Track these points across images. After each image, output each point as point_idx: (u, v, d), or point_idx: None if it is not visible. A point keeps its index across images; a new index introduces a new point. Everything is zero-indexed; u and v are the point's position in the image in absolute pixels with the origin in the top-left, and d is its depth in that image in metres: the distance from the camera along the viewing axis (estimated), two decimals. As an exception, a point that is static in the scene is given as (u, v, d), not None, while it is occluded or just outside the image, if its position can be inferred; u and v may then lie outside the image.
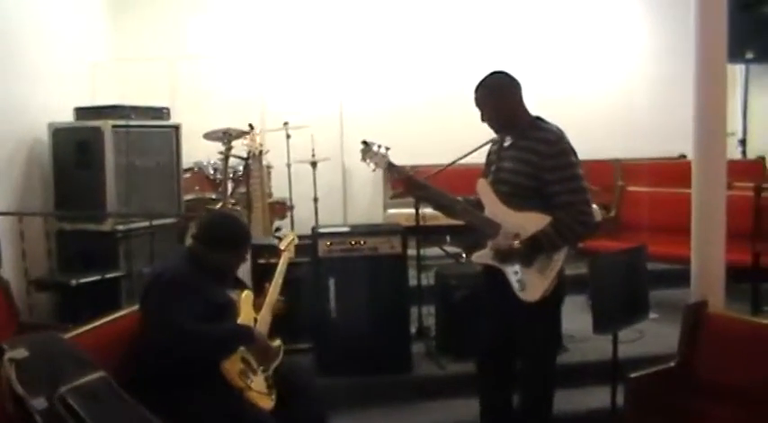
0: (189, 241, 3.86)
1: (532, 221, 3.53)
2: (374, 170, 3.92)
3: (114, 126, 5.48)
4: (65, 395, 2.98)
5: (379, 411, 4.55)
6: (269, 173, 6.91)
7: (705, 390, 3.58)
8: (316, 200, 7.35)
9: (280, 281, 3.98)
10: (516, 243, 3.53)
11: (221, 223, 3.80)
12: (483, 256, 3.70)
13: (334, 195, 7.85)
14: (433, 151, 6.30)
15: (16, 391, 2.92)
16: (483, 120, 3.70)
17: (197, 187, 6.61)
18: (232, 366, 3.41)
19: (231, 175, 6.56)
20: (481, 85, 3.69)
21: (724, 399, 3.49)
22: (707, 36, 3.96)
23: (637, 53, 8.72)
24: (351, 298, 4.71)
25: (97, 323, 3.66)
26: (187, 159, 6.50)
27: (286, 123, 7.07)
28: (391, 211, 5.46)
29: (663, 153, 8.45)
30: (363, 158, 3.84)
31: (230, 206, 6.23)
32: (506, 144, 3.73)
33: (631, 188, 7.25)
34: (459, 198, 3.78)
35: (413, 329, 5.21)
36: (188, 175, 6.62)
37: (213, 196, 6.67)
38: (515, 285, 3.57)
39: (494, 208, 3.64)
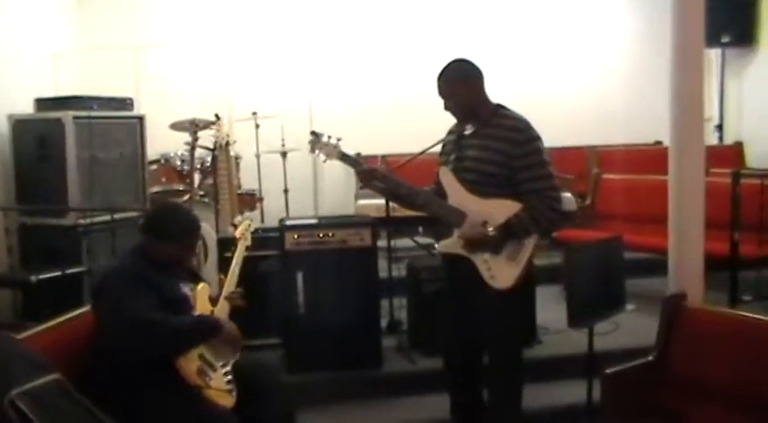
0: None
1: (500, 208, 3.48)
2: (324, 161, 3.80)
3: (76, 117, 5.33)
4: (15, 399, 2.85)
5: (350, 408, 4.45)
6: (237, 164, 6.78)
7: (683, 385, 3.49)
8: (286, 191, 7.24)
9: (236, 270, 3.85)
10: (490, 229, 3.46)
11: (167, 214, 3.67)
12: (450, 246, 3.62)
13: (305, 186, 7.73)
14: (403, 141, 6.21)
15: (-36, 395, 2.80)
16: (446, 108, 3.62)
17: (164, 179, 6.48)
18: (188, 364, 3.28)
19: (199, 167, 6.42)
20: (443, 73, 3.62)
21: (702, 394, 3.41)
22: (683, 20, 3.86)
23: (612, 39, 8.67)
24: (319, 292, 4.59)
25: (52, 323, 3.52)
26: (154, 151, 6.37)
27: (254, 113, 6.95)
28: (361, 202, 5.33)
29: (638, 139, 8.39)
30: (312, 150, 3.74)
31: (198, 198, 6.10)
32: (467, 132, 3.65)
33: (607, 176, 7.18)
34: (424, 188, 3.70)
35: (384, 323, 5.14)
36: (155, 166, 6.48)
37: (181, 188, 6.54)
38: (485, 273, 3.50)
39: (458, 196, 3.57)
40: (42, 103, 5.58)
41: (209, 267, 4.94)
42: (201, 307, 3.59)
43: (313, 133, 3.78)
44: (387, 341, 4.98)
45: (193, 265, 4.17)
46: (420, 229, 6.11)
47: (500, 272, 3.49)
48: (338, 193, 7.92)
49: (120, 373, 3.25)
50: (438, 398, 4.11)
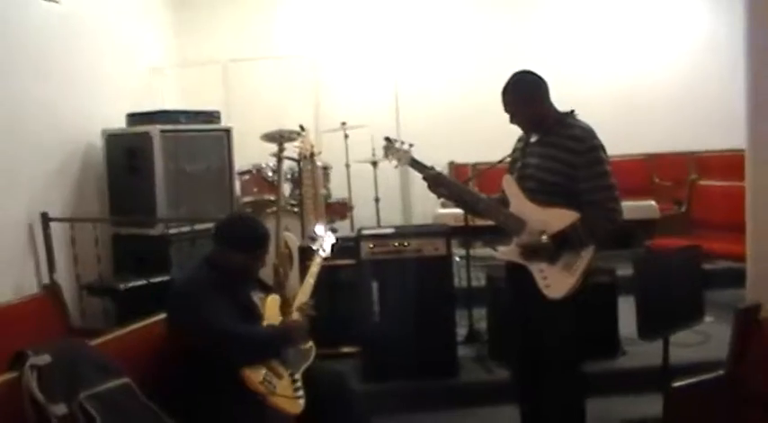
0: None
1: (558, 218, 3.44)
2: (396, 167, 3.89)
3: (163, 131, 5.54)
4: (83, 401, 2.98)
5: (424, 417, 4.47)
6: (327, 174, 6.86)
7: (754, 402, 3.31)
8: (377, 200, 7.28)
9: (311, 281, 3.90)
10: (544, 238, 3.43)
11: (237, 225, 3.74)
12: (508, 253, 3.61)
13: (396, 195, 7.76)
14: (491, 148, 6.14)
15: (36, 397, 2.94)
16: (512, 122, 3.61)
17: (255, 189, 6.59)
18: (253, 373, 3.34)
19: (289, 177, 6.54)
20: (505, 89, 3.60)
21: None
22: (759, 19, 3.72)
23: (711, 39, 8.33)
24: (394, 301, 4.63)
25: (125, 330, 3.67)
26: (246, 161, 6.53)
27: (344, 123, 7.03)
28: (440, 211, 5.36)
29: (741, 144, 8.04)
30: (386, 155, 3.85)
31: (289, 207, 6.21)
32: (533, 140, 3.63)
33: (704, 182, 6.92)
34: (486, 196, 3.68)
35: (464, 333, 5.11)
36: (247, 177, 6.63)
37: (272, 198, 6.66)
38: (540, 282, 3.46)
39: (519, 204, 3.55)
40: (133, 118, 5.80)
41: (293, 274, 5.03)
42: (271, 317, 3.65)
43: (387, 139, 3.90)
44: (466, 351, 5.00)
45: (262, 275, 4.24)
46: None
47: (555, 281, 3.45)
48: (428, 201, 7.92)
49: (187, 379, 3.35)
50: (512, 408, 4.03)
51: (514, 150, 3.80)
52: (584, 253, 3.44)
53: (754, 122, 3.73)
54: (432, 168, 3.74)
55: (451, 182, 3.74)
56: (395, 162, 3.84)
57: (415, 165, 3.75)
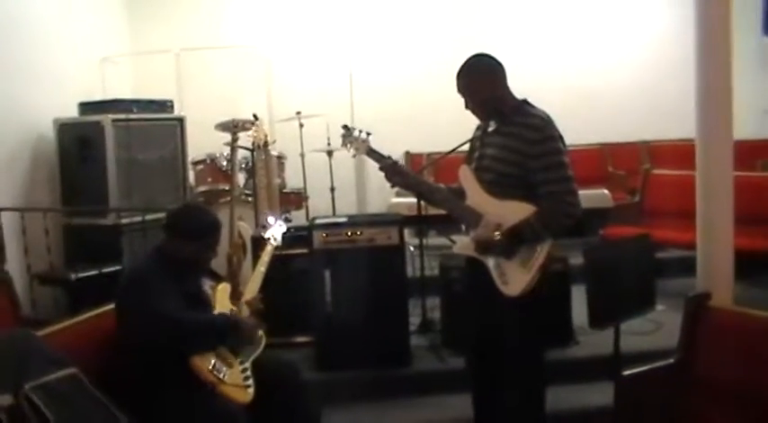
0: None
1: (515, 211, 3.35)
2: (354, 155, 3.82)
3: (115, 120, 5.49)
4: (29, 392, 2.95)
5: (378, 406, 4.47)
6: (282, 163, 6.83)
7: (704, 389, 3.34)
8: (332, 190, 7.27)
9: (261, 270, 3.90)
10: (497, 234, 3.37)
11: (186, 215, 3.73)
12: (464, 247, 3.54)
13: (350, 184, 7.75)
14: (447, 138, 6.16)
15: (-19, 389, 2.91)
16: (467, 107, 3.51)
17: (210, 179, 6.53)
18: (202, 361, 3.33)
19: (243, 167, 6.50)
20: (462, 71, 3.49)
21: (724, 399, 3.26)
22: (708, 11, 3.77)
23: (665, 28, 8.42)
24: (347, 290, 4.61)
25: (73, 320, 3.65)
26: (200, 151, 6.48)
27: (299, 113, 7.01)
28: (394, 200, 5.36)
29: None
30: (343, 144, 3.77)
31: (244, 197, 6.18)
32: (490, 129, 3.54)
33: (657, 171, 6.99)
34: (443, 186, 3.66)
35: (417, 322, 5.13)
36: (201, 166, 6.57)
37: (226, 187, 6.61)
38: (497, 279, 3.40)
39: (476, 196, 3.47)
40: (85, 107, 5.75)
41: (247, 264, 5.01)
42: (221, 306, 3.65)
43: (345, 127, 3.82)
44: (419, 340, 5.01)
45: (215, 265, 4.23)
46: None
47: (512, 277, 3.37)
48: (383, 191, 7.93)
49: (135, 368, 3.35)
50: (465, 397, 4.02)
51: (473, 139, 3.72)
52: (539, 247, 3.35)
53: (704, 112, 3.77)
54: (389, 158, 3.67)
55: (408, 172, 3.68)
56: (352, 151, 3.75)
57: (372, 154, 3.69)
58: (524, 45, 8.35)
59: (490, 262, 3.44)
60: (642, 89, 8.33)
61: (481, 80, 3.47)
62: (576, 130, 8.12)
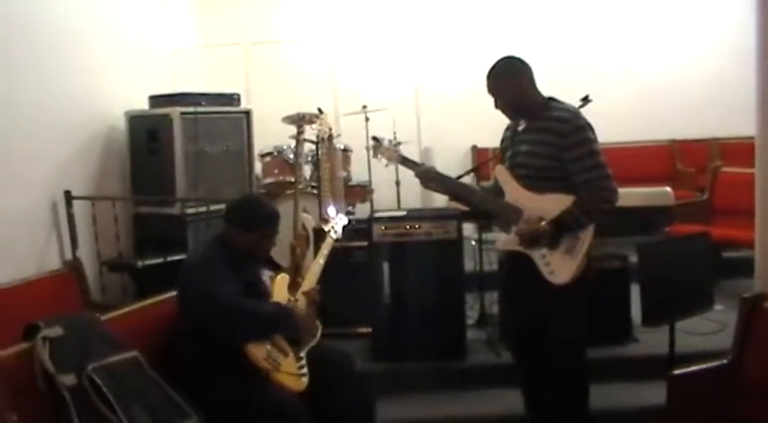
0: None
1: (554, 203, 3.46)
2: (387, 165, 3.95)
3: (183, 113, 5.64)
4: (91, 372, 3.10)
5: (431, 398, 4.51)
6: (348, 156, 6.91)
7: (756, 391, 3.30)
8: (398, 183, 7.31)
9: (320, 262, 3.98)
10: (543, 223, 3.45)
11: (246, 205, 3.83)
12: (509, 243, 3.62)
13: (415, 179, 7.75)
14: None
15: (47, 368, 3.05)
16: (496, 107, 3.63)
17: (276, 171, 6.65)
18: (257, 349, 3.42)
19: (309, 159, 6.60)
20: (491, 73, 3.63)
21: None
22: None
23: (735, 25, 8.20)
24: (405, 283, 4.68)
25: (136, 306, 3.82)
26: (268, 144, 6.61)
27: (365, 106, 7.08)
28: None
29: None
30: (375, 155, 3.91)
31: (309, 189, 6.28)
32: (521, 128, 3.66)
33: (726, 169, 6.85)
34: (478, 188, 3.72)
35: (475, 316, 5.16)
36: (268, 159, 6.70)
37: (292, 180, 6.72)
38: (544, 269, 3.48)
39: (514, 193, 3.58)
40: (155, 100, 5.91)
41: (309, 255, 5.10)
42: (279, 296, 3.73)
43: (374, 139, 3.95)
44: (476, 334, 5.04)
45: (278, 256, 4.32)
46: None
47: (558, 266, 3.47)
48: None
49: (193, 353, 3.46)
50: (519, 391, 4.09)
51: (503, 140, 3.83)
52: (582, 235, 3.46)
53: (764, 109, 3.71)
54: (422, 164, 3.80)
55: (443, 177, 3.74)
56: (384, 161, 3.88)
57: (405, 162, 3.81)
58: (592, 42, 8.26)
59: (535, 254, 3.51)
60: (714, 85, 8.12)
61: (509, 81, 3.59)
62: (645, 126, 8.15)
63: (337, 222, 4.26)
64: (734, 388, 3.38)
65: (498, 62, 3.63)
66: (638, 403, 4.22)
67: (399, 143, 3.88)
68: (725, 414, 3.33)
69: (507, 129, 3.81)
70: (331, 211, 4.75)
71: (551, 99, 3.62)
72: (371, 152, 3.92)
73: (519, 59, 3.63)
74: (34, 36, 4.93)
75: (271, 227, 3.77)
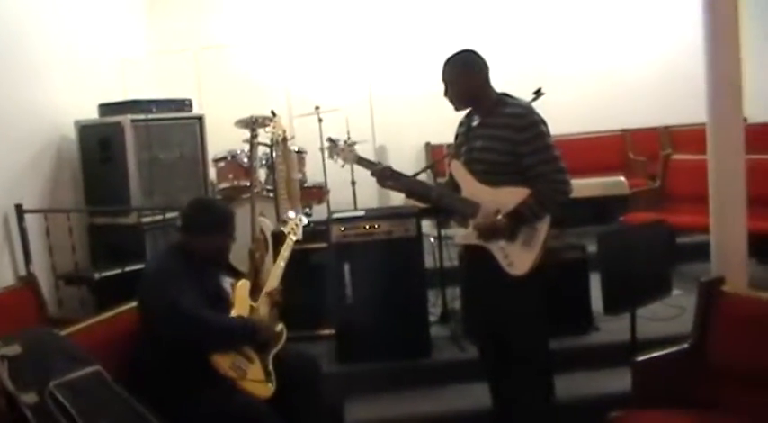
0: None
1: (510, 196, 3.52)
2: (342, 166, 4.02)
3: (134, 120, 5.57)
4: (53, 389, 3.05)
5: (398, 396, 4.50)
6: (302, 158, 6.88)
7: (718, 374, 3.38)
8: (353, 183, 7.31)
9: (281, 264, 3.97)
10: (499, 217, 3.50)
11: (202, 210, 3.80)
12: (467, 237, 3.65)
13: (371, 178, 7.76)
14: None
15: (7, 387, 2.99)
16: (445, 95, 3.68)
17: (231, 176, 6.59)
18: (223, 358, 3.41)
19: (264, 163, 6.55)
20: (450, 60, 3.68)
21: (738, 383, 3.30)
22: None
23: (685, 15, 8.31)
24: (366, 283, 4.66)
25: (96, 319, 3.76)
26: (221, 148, 6.55)
27: (317, 108, 7.07)
28: (411, 193, 5.39)
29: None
30: (330, 156, 3.92)
31: (265, 193, 6.23)
32: (474, 124, 3.71)
33: (677, 156, 6.96)
34: (434, 185, 3.75)
35: (437, 312, 5.17)
36: (222, 164, 6.63)
37: (248, 184, 6.67)
38: (503, 261, 3.53)
39: (471, 188, 3.63)
40: (105, 108, 5.82)
41: (268, 259, 5.07)
42: (240, 302, 3.71)
43: (330, 140, 3.97)
44: (440, 330, 5.05)
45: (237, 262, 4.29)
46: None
47: (517, 258, 3.52)
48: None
49: (157, 364, 3.42)
50: (485, 385, 4.06)
51: (457, 135, 3.88)
52: (539, 226, 3.52)
53: (714, 96, 3.78)
54: (378, 164, 3.83)
55: (399, 175, 3.77)
56: (340, 161, 3.90)
57: (362, 162, 3.84)
58: (546, 33, 8.34)
59: (494, 247, 3.56)
60: (663, 74, 8.25)
61: (465, 73, 3.65)
62: (597, 116, 8.23)
63: (297, 223, 4.24)
64: (696, 371, 3.44)
65: (459, 52, 3.68)
66: (602, 391, 4.26)
67: (354, 143, 3.87)
68: (689, 397, 3.38)
69: (461, 125, 3.85)
70: (291, 213, 4.72)
71: (504, 94, 3.67)
72: (327, 153, 3.93)
73: (479, 55, 3.68)
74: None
75: (230, 225, 3.77)
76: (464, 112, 3.80)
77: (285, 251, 4.05)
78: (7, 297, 4.62)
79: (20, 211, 5.03)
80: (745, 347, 3.32)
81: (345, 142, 3.88)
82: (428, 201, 3.85)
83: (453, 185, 3.72)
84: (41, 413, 2.99)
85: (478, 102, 3.65)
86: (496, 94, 3.67)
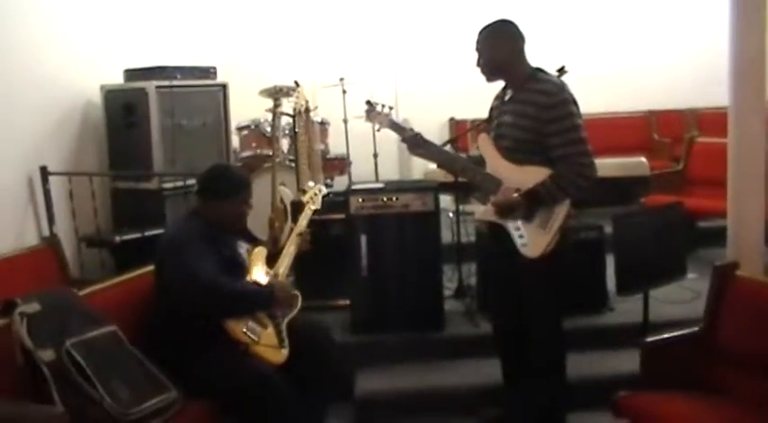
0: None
1: (532, 175, 3.47)
2: (378, 130, 3.93)
3: (158, 87, 5.61)
4: (70, 347, 3.11)
5: (410, 368, 4.53)
6: (325, 129, 6.91)
7: (727, 358, 3.38)
8: (375, 156, 7.33)
9: (303, 223, 4.01)
10: (515, 195, 3.47)
11: (218, 175, 3.84)
12: (486, 213, 3.64)
13: (393, 150, 7.74)
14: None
15: (25, 343, 3.06)
16: (477, 64, 3.63)
17: (254, 144, 6.65)
18: (236, 323, 3.45)
19: (287, 133, 6.58)
20: (484, 29, 3.63)
21: (746, 370, 3.30)
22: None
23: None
24: (382, 255, 4.69)
25: (113, 281, 3.83)
26: (246, 117, 6.59)
27: (342, 79, 7.08)
28: (432, 166, 5.36)
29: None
30: (367, 119, 3.88)
31: (287, 162, 6.27)
32: (506, 98, 3.65)
33: (701, 139, 6.90)
34: (464, 155, 3.73)
35: (453, 287, 5.20)
36: (245, 132, 6.69)
37: (270, 153, 6.70)
38: (517, 241, 3.51)
39: (495, 163, 3.59)
40: (130, 74, 5.87)
41: (287, 228, 5.11)
42: (256, 269, 3.76)
43: (368, 102, 3.90)
44: (455, 305, 5.08)
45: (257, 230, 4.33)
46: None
47: (531, 239, 3.49)
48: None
49: (171, 327, 3.48)
50: (497, 361, 4.09)
51: (491, 109, 3.82)
52: (557, 209, 3.46)
53: (736, 80, 3.75)
54: (411, 130, 3.78)
55: (429, 143, 3.76)
56: (376, 125, 3.88)
57: (395, 127, 3.81)
58: (571, 12, 8.26)
59: (510, 225, 3.55)
60: (691, 55, 8.19)
61: (500, 43, 3.59)
62: (623, 97, 8.17)
63: (316, 193, 4.26)
64: (706, 355, 3.44)
65: (495, 22, 3.63)
66: (613, 371, 4.27)
67: (392, 108, 3.83)
68: (697, 381, 3.39)
69: (496, 98, 3.79)
70: (310, 183, 4.75)
71: (538, 70, 3.59)
72: (365, 116, 3.89)
73: (514, 25, 3.62)
74: (3, 12, 4.86)
75: (246, 191, 3.81)
76: (499, 86, 3.74)
77: (303, 220, 4.07)
78: (30, 257, 4.73)
79: (44, 173, 5.11)
80: (755, 333, 3.30)
81: (383, 106, 3.82)
82: (454, 171, 3.84)
83: (480, 160, 3.68)
84: (58, 370, 3.06)
85: (509, 74, 3.59)
86: (531, 68, 3.58)
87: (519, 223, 3.51)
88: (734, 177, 3.80)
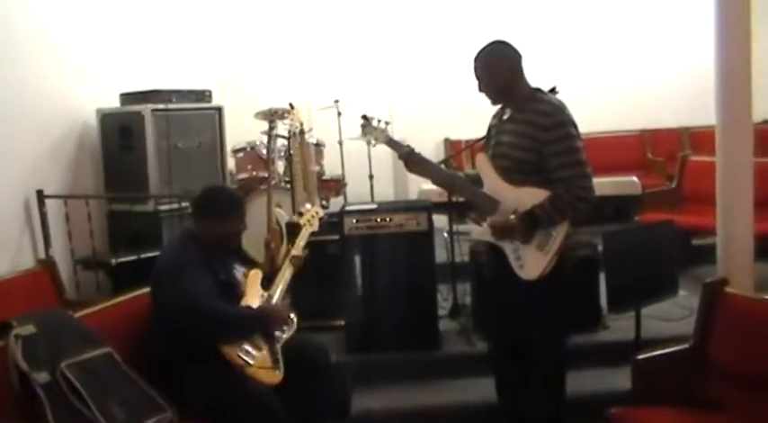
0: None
1: (530, 197, 3.42)
2: (374, 145, 3.93)
3: (154, 110, 5.66)
4: (64, 369, 3.13)
5: (406, 388, 4.55)
6: (321, 151, 6.94)
7: (718, 374, 3.39)
8: (371, 177, 7.37)
9: (301, 244, 4.02)
10: (512, 217, 3.44)
11: (213, 195, 3.87)
12: (482, 234, 3.63)
13: (388, 171, 7.79)
14: (485, 124, 6.20)
15: (20, 366, 3.08)
16: (480, 89, 3.59)
17: (250, 166, 6.67)
18: (231, 346, 3.45)
19: (282, 154, 6.62)
20: (480, 53, 3.58)
21: (737, 385, 3.31)
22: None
23: (705, 16, 8.28)
24: (377, 275, 4.72)
25: (110, 303, 3.85)
26: (241, 139, 6.63)
27: (337, 101, 7.13)
28: (425, 186, 5.40)
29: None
30: (363, 134, 3.84)
31: (283, 184, 6.30)
32: (505, 117, 3.62)
33: (695, 158, 6.94)
34: (461, 174, 3.73)
35: (447, 307, 5.22)
36: (241, 154, 6.72)
37: (266, 175, 6.74)
38: (514, 263, 3.48)
39: (493, 183, 3.54)
40: (126, 97, 5.93)
41: (283, 250, 5.13)
42: (252, 292, 3.76)
43: (364, 117, 3.88)
44: (450, 324, 5.09)
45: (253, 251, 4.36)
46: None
47: (529, 261, 3.45)
48: (421, 177, 8.01)
49: (166, 349, 3.49)
50: (492, 380, 4.08)
51: (489, 128, 3.78)
52: (555, 232, 3.41)
53: (723, 97, 3.79)
54: (407, 147, 3.73)
55: (426, 161, 3.72)
56: (372, 141, 3.86)
57: (391, 143, 3.77)
58: (565, 32, 8.33)
59: (507, 247, 3.51)
60: (684, 74, 8.21)
61: (498, 65, 3.54)
62: (617, 116, 8.22)
63: (314, 215, 4.27)
64: (697, 371, 3.45)
65: (489, 44, 3.58)
66: (608, 388, 4.26)
67: (388, 123, 3.81)
68: (689, 397, 3.39)
69: (494, 117, 3.74)
70: (307, 205, 4.77)
71: (538, 90, 3.55)
72: (360, 131, 3.86)
73: (510, 45, 3.58)
74: (4, 34, 4.93)
75: (240, 210, 3.82)
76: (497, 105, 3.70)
77: (301, 242, 4.07)
78: (26, 279, 4.77)
79: (41, 196, 5.15)
80: (745, 349, 3.32)
81: (380, 121, 3.80)
82: (450, 190, 3.84)
83: (477, 179, 3.64)
84: (52, 392, 3.08)
85: (511, 93, 3.54)
86: (530, 88, 3.55)
87: (517, 245, 3.47)
88: (722, 194, 3.82)
